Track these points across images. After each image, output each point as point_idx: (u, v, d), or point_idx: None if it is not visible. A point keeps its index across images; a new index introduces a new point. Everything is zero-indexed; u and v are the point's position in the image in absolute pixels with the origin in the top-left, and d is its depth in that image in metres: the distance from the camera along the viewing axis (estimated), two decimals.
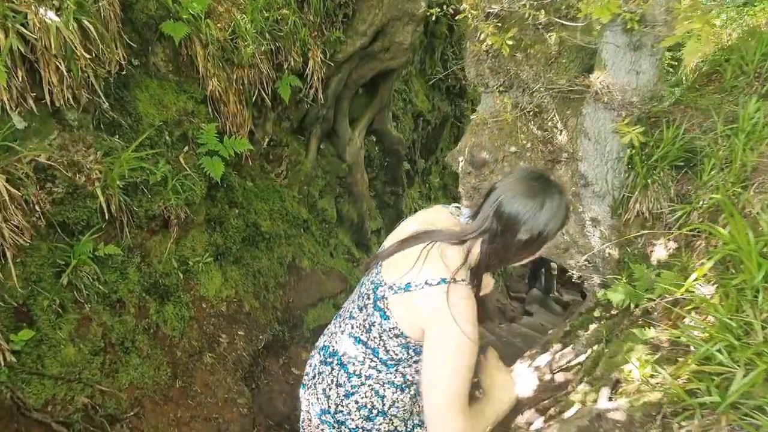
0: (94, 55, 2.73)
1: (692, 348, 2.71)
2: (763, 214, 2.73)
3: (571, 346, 4.07)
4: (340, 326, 1.78)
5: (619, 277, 3.75)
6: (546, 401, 3.78)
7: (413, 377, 1.66)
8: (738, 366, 2.17)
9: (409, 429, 1.78)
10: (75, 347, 2.61)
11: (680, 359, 2.80)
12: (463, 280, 1.48)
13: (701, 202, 3.35)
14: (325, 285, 5.12)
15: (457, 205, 1.78)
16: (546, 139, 3.74)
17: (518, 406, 4.17)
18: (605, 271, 4.02)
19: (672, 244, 3.59)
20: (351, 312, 1.73)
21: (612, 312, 4.29)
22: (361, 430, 1.71)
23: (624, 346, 3.40)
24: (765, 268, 2.24)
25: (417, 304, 1.49)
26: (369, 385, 1.67)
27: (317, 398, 1.76)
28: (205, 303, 3.67)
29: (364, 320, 1.64)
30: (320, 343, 1.90)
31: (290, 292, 4.59)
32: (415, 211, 9.37)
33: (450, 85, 9.12)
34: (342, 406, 1.70)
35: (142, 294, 3.13)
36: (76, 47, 2.55)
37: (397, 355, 1.61)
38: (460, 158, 4.09)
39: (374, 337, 1.61)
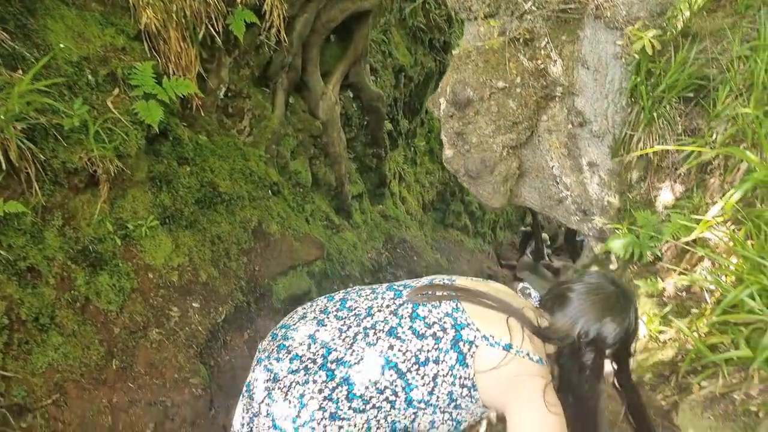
0: None
1: (708, 298, 2.31)
2: None
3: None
4: (367, 334, 1.48)
5: (620, 226, 3.33)
6: None
7: (423, 427, 1.48)
8: None
9: None
10: None
11: (694, 311, 2.39)
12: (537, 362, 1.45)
13: (714, 135, 2.91)
14: (297, 252, 4.67)
15: (526, 285, 1.72)
16: (538, 72, 3.26)
17: None
18: (603, 221, 3.59)
19: (679, 187, 3.16)
20: (393, 328, 1.48)
21: (611, 267, 3.88)
22: None
23: None
24: None
25: (511, 369, 1.41)
26: (366, 420, 1.41)
27: (286, 399, 1.42)
28: (152, 273, 3.21)
29: (420, 351, 1.44)
30: (312, 332, 1.54)
31: (256, 260, 4.14)
32: (400, 176, 8.83)
33: (434, 38, 8.57)
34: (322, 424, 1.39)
35: (67, 262, 2.66)
36: None
37: (434, 401, 1.44)
38: (441, 100, 3.61)
39: (424, 375, 1.43)
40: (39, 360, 2.35)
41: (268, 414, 1.44)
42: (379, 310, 1.55)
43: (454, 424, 1.51)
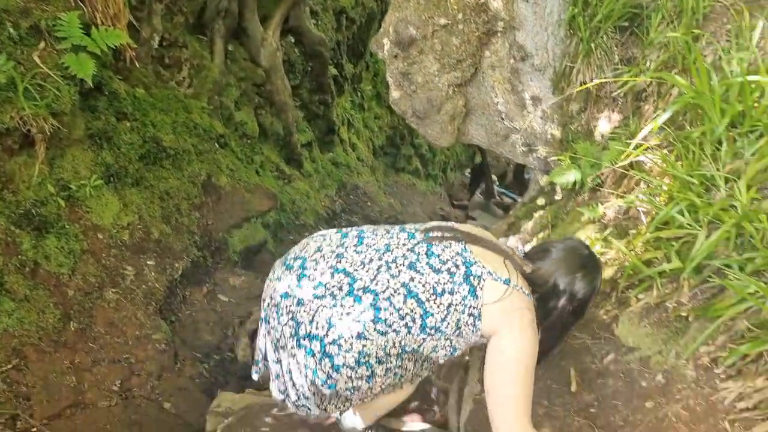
0: None
1: (644, 218, 2.45)
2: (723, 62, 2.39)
3: (516, 237, 3.80)
4: (390, 268, 1.66)
5: (563, 157, 3.45)
6: None
7: (426, 351, 1.69)
8: (700, 227, 1.89)
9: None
10: None
11: (632, 232, 2.54)
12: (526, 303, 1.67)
13: (648, 63, 3.01)
14: (250, 203, 4.64)
15: (512, 244, 1.93)
16: (479, 6, 3.26)
17: None
18: (548, 154, 3.71)
19: (616, 116, 3.28)
20: (413, 263, 1.66)
21: (556, 198, 4.04)
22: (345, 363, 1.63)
23: (570, 228, 3.14)
24: (729, 114, 1.92)
25: (510, 303, 1.61)
26: (385, 342, 1.61)
27: (313, 321, 1.63)
28: (101, 233, 3.15)
29: (437, 283, 1.62)
30: (334, 263, 1.70)
31: (209, 214, 4.11)
32: (348, 122, 8.72)
33: None
34: (345, 346, 1.60)
35: (10, 227, 2.59)
36: None
37: (444, 327, 1.63)
38: (385, 40, 3.57)
39: (439, 303, 1.61)
40: None
41: (294, 335, 1.64)
42: (397, 247, 1.72)
43: (451, 350, 1.71)
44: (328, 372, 1.61)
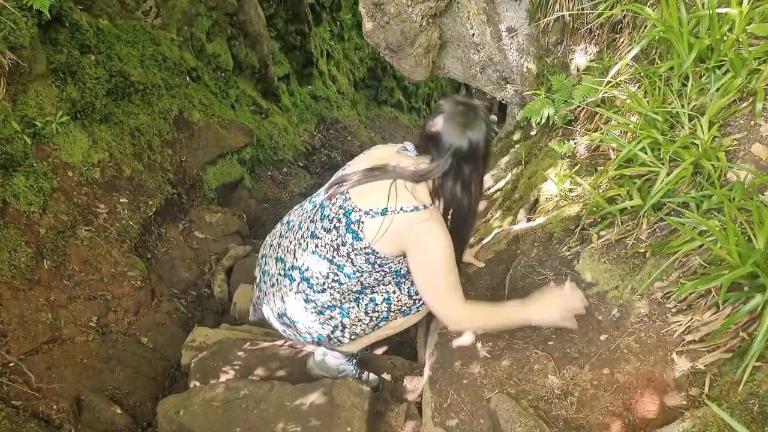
0: None
1: (613, 154, 2.47)
2: None
3: (491, 173, 3.82)
4: (300, 243, 1.95)
5: (538, 91, 3.42)
6: None
7: (369, 286, 1.94)
8: (662, 164, 1.92)
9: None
10: None
11: (600, 168, 2.57)
12: (433, 205, 1.80)
13: None
14: (225, 139, 4.58)
15: (402, 145, 1.93)
16: None
17: None
18: (523, 88, 3.68)
19: (593, 48, 3.23)
20: (313, 231, 1.91)
21: (532, 133, 4.04)
22: (309, 329, 2.01)
23: (542, 164, 3.16)
24: (696, 49, 1.90)
25: (394, 227, 1.74)
26: (331, 295, 1.92)
27: (275, 303, 2.04)
28: (71, 171, 3.11)
29: (332, 241, 1.85)
30: (270, 252, 2.10)
31: (182, 150, 4.06)
32: (327, 53, 8.51)
33: None
34: (305, 316, 1.97)
35: None
36: None
37: (361, 268, 1.86)
38: None
39: (342, 255, 1.85)
40: None
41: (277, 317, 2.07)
42: (304, 222, 1.98)
43: (393, 275, 1.94)
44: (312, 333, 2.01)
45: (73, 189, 3.09)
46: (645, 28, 2.75)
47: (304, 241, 1.93)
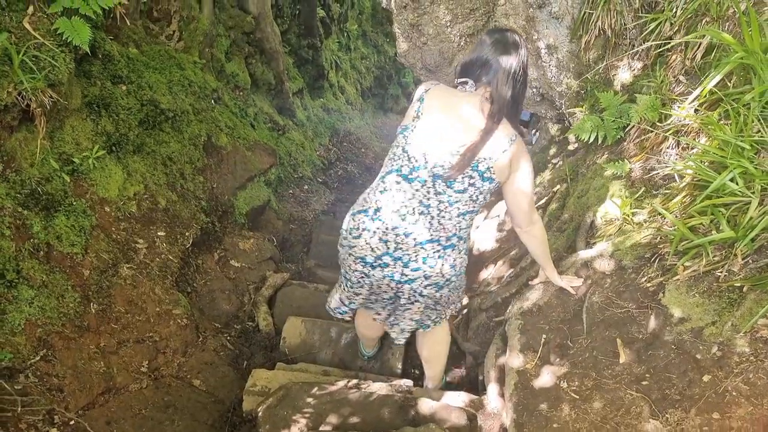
0: None
1: (678, 178, 2.39)
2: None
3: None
4: (429, 218, 2.07)
5: (581, 108, 3.35)
6: (513, 252, 3.52)
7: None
8: (752, 193, 1.84)
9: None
10: None
11: (665, 191, 2.49)
12: (516, 135, 2.08)
13: (674, 9, 2.87)
14: (251, 162, 4.50)
15: (460, 81, 2.16)
16: None
17: (481, 258, 3.93)
18: (562, 104, 3.60)
19: (637, 64, 3.17)
20: (442, 202, 2.07)
21: (569, 148, 3.96)
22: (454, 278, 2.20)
23: (592, 183, 3.08)
24: None
25: (505, 160, 2.03)
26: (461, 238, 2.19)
27: (401, 272, 2.12)
28: (108, 206, 3.03)
29: (470, 196, 2.09)
30: (392, 223, 2.08)
31: (212, 177, 3.97)
32: (336, 65, 8.39)
33: None
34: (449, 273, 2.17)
35: (17, 209, 2.45)
36: None
37: (487, 198, 2.16)
38: None
39: (482, 200, 2.14)
40: (15, 318, 2.23)
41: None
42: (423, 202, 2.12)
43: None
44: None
45: (111, 225, 3.00)
46: (699, 46, 2.68)
47: (442, 212, 2.08)
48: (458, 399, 2.40)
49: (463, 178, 2.05)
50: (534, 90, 3.74)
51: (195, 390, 2.65)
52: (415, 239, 2.07)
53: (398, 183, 2.08)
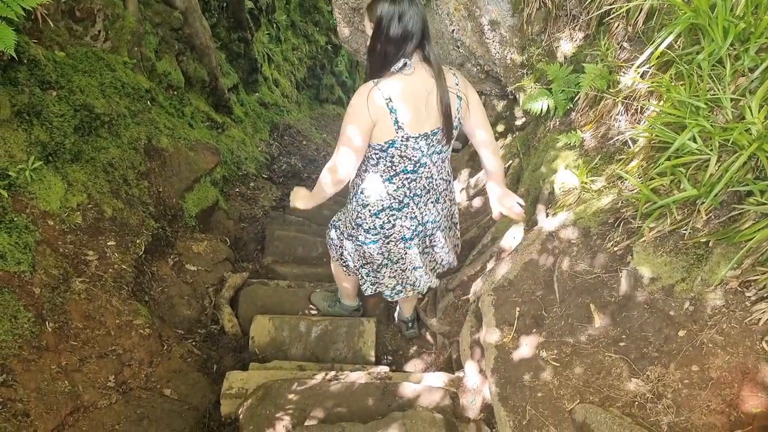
0: None
1: (631, 142, 2.48)
2: None
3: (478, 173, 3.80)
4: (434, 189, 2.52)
5: (528, 82, 3.41)
6: (472, 231, 3.57)
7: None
8: (710, 151, 1.93)
9: None
10: None
11: (620, 158, 2.58)
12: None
13: None
14: (196, 162, 4.34)
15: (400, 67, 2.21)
16: None
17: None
18: (507, 80, 3.66)
19: (579, 35, 3.25)
20: (435, 174, 2.45)
21: (517, 123, 4.04)
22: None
23: (546, 155, 3.15)
24: (733, 32, 1.92)
25: (460, 81, 2.33)
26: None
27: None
28: (52, 219, 2.84)
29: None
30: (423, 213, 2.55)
31: (157, 180, 3.80)
32: (268, 57, 8.18)
33: None
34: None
35: None
36: None
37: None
38: None
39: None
40: None
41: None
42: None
43: None
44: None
45: (57, 239, 2.82)
46: (641, 12, 2.77)
47: (440, 179, 2.49)
48: (438, 380, 2.41)
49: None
50: (478, 67, 3.78)
51: (167, 399, 2.55)
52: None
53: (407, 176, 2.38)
